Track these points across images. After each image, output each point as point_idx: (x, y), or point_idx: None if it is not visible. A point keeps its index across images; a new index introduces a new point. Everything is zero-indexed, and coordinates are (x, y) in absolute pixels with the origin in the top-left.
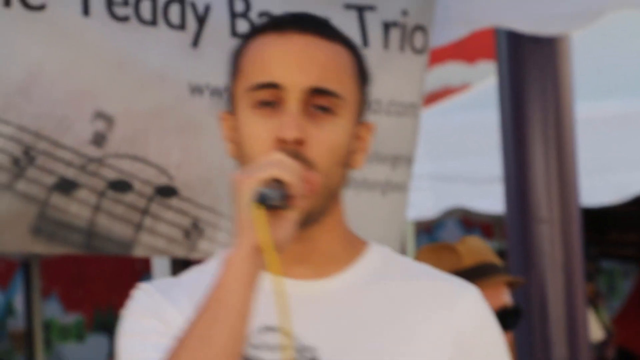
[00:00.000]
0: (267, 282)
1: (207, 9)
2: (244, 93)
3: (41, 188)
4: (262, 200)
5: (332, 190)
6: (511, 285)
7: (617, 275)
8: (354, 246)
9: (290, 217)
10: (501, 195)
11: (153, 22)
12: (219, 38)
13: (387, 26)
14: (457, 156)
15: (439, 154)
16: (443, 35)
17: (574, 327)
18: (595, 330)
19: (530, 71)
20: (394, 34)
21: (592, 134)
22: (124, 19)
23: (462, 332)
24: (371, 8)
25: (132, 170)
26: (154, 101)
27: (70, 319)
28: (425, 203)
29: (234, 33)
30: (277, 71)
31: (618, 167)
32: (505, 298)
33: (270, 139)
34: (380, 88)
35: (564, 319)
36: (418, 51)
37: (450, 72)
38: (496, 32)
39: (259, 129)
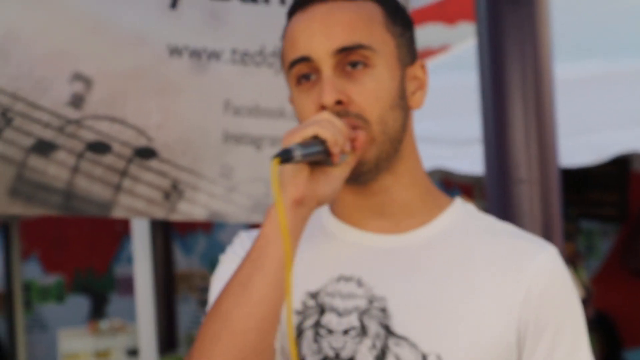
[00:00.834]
0: (347, 233)
1: None
2: (287, 73)
3: (19, 150)
4: (283, 155)
5: (392, 136)
6: None
7: (596, 235)
8: (435, 200)
9: (336, 173)
10: (481, 156)
11: None
12: None
13: None
14: (437, 117)
15: (418, 115)
16: None
17: None
18: None
19: (509, 32)
20: None
21: (571, 94)
22: None
23: (531, 290)
24: None
25: (111, 131)
26: (133, 62)
27: (50, 280)
28: None
29: None
30: (304, 44)
31: (597, 127)
32: None
33: (316, 110)
34: None
35: None
36: None
37: (430, 33)
38: None
39: (305, 103)
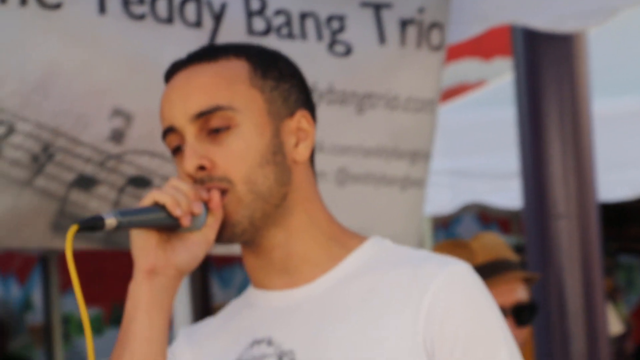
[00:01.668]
0: (259, 297)
1: (223, 7)
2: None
3: (60, 184)
4: (86, 223)
5: (264, 193)
6: (528, 281)
7: (636, 270)
8: (342, 244)
9: (195, 239)
10: (518, 190)
11: (169, 20)
12: (235, 36)
13: (404, 23)
14: (474, 152)
15: (456, 150)
16: (459, 32)
17: (592, 322)
18: (614, 324)
19: (546, 68)
20: (411, 31)
21: (608, 129)
22: (140, 17)
23: (433, 307)
24: (387, 6)
25: (151, 166)
26: None
27: (89, 313)
28: (442, 198)
29: (250, 31)
30: (167, 114)
31: (635, 162)
32: (520, 294)
33: (186, 180)
34: (398, 84)
35: (582, 314)
36: (435, 48)
37: (467, 68)
38: (512, 29)
39: (179, 173)
